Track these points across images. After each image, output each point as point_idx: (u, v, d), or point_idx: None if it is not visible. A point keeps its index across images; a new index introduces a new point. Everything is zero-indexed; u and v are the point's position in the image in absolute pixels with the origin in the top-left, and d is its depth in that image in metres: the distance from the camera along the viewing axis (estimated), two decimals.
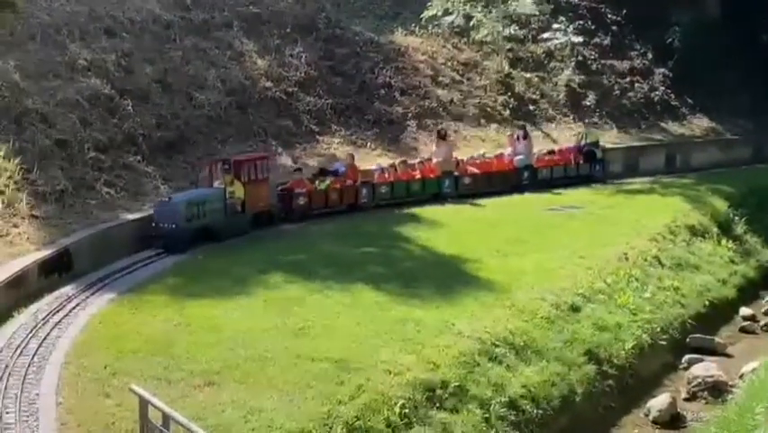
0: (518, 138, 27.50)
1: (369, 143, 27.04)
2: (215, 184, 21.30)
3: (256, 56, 27.40)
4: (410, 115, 28.55)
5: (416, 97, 29.15)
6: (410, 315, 16.26)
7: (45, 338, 14.84)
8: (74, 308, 16.28)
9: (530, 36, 32.95)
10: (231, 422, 12.40)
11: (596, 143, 28.52)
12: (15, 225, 18.69)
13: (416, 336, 15.45)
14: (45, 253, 17.86)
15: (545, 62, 32.68)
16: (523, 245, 20.89)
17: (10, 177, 19.75)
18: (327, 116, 27.21)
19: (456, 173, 25.73)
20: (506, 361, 15.57)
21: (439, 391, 14.24)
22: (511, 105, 30.65)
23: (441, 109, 29.31)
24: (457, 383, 14.49)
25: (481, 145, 28.41)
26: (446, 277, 18.47)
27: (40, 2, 24.95)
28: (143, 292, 16.98)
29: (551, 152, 28.09)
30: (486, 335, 15.93)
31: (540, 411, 15.02)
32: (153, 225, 19.75)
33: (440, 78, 30.24)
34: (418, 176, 25.19)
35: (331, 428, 12.76)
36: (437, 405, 14.04)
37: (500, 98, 30.67)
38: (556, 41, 32.66)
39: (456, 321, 16.19)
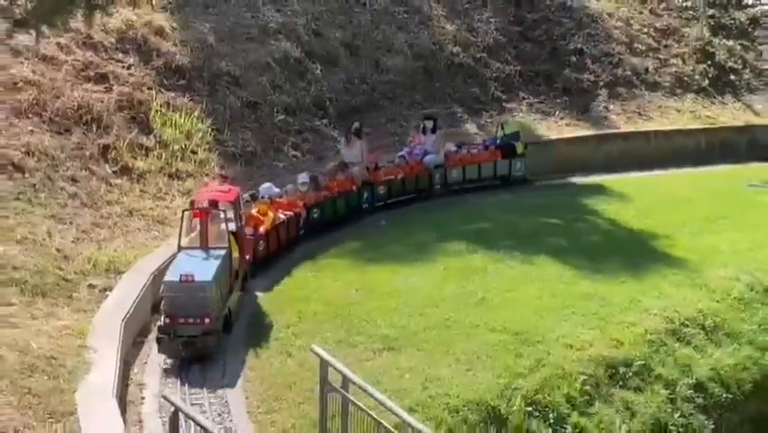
0: (425, 131, 22.27)
1: (557, 111, 26.77)
2: (184, 241, 14.14)
3: (444, 20, 27.50)
4: (601, 83, 28.06)
5: (609, 65, 28.60)
6: (594, 290, 16.15)
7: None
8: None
9: (734, 2, 31.72)
10: (409, 388, 12.71)
11: (516, 135, 23.18)
12: (205, 184, 19.54)
13: (599, 312, 15.37)
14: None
15: (750, 30, 31.42)
16: (719, 223, 20.26)
17: (202, 137, 20.72)
18: (515, 83, 27.09)
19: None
20: (694, 342, 15.37)
21: (622, 369, 14.21)
22: (710, 75, 29.65)
23: (634, 78, 28.66)
24: (641, 362, 14.42)
25: (676, 117, 27.65)
26: (634, 253, 18.18)
27: None
28: (325, 256, 17.49)
29: (460, 147, 22.75)
30: (674, 314, 15.72)
31: (729, 396, 14.80)
32: (166, 320, 13.11)
33: (635, 45, 29.55)
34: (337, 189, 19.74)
35: (509, 400, 12.91)
36: (620, 383, 14.03)
37: (699, 67, 29.71)
38: (763, 8, 31.28)
39: (643, 298, 16.02)
